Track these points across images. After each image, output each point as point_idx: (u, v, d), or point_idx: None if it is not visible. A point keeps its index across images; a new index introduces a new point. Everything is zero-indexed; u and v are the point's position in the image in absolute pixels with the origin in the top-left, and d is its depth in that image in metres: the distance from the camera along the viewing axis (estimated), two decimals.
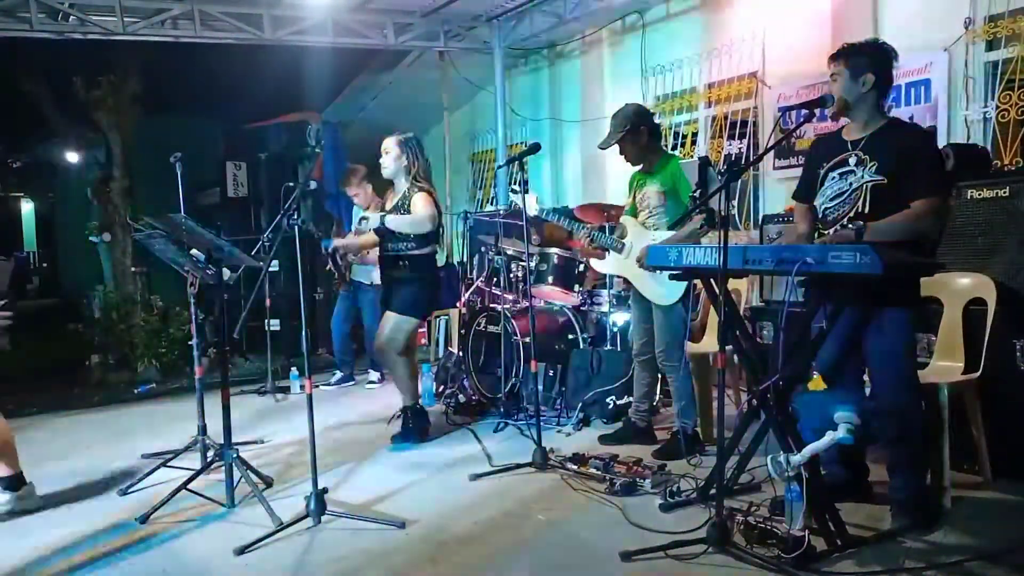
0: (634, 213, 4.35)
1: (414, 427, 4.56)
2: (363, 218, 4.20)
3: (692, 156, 6.72)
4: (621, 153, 4.22)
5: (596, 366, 5.01)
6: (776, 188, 6.04)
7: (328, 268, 6.40)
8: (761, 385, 2.98)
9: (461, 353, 5.63)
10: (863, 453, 3.38)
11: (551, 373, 5.28)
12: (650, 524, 3.15)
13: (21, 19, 6.27)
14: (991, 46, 4.93)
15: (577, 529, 3.22)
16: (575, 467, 3.86)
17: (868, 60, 3.07)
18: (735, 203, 6.32)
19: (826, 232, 3.14)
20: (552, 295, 5.56)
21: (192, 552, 3.14)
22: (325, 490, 3.35)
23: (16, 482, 3.58)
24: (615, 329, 5.25)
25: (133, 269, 7.86)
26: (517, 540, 3.14)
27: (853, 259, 2.60)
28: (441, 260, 5.23)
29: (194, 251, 3.77)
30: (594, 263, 4.66)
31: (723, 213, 2.81)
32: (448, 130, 8.75)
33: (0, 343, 3.47)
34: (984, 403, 3.43)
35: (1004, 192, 3.64)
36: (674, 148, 6.93)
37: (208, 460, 3.84)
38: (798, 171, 3.57)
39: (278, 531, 3.18)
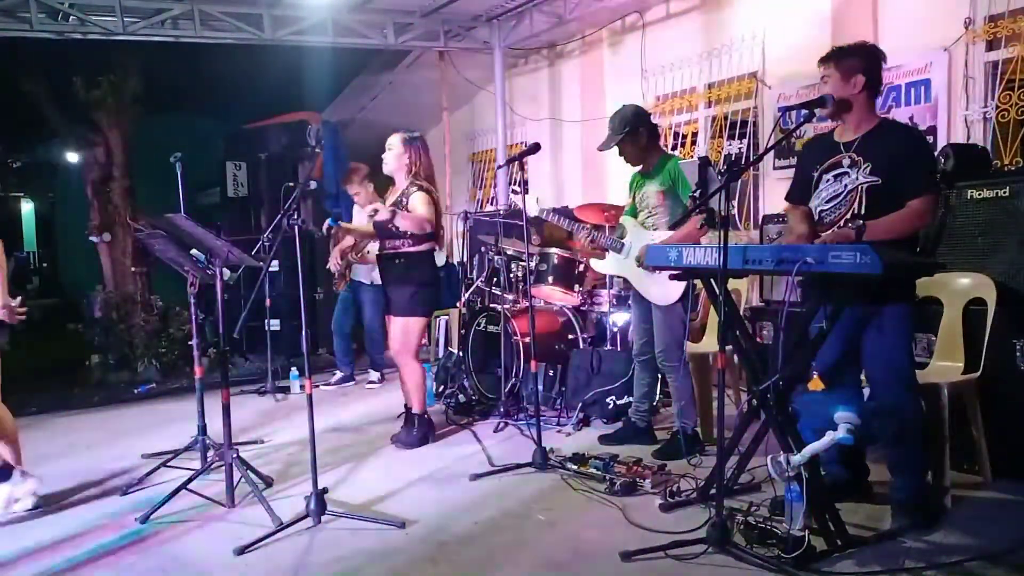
0: (634, 213, 4.35)
1: (417, 433, 4.53)
2: (375, 209, 4.19)
3: (692, 156, 6.72)
4: (620, 155, 4.23)
5: (596, 366, 5.01)
6: (776, 188, 6.04)
7: (328, 267, 6.40)
8: (761, 385, 2.98)
9: (461, 353, 5.63)
10: (863, 453, 3.39)
11: (551, 373, 5.28)
12: (650, 524, 3.16)
13: (21, 19, 6.27)
14: (991, 46, 4.93)
15: (577, 529, 3.22)
16: (575, 467, 3.86)
17: (857, 61, 3.08)
18: (735, 203, 6.33)
19: (823, 234, 3.14)
20: (552, 295, 5.56)
21: (192, 552, 3.14)
22: (325, 490, 3.36)
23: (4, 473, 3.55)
24: (615, 329, 5.26)
25: (133, 269, 7.86)
26: (517, 540, 3.14)
27: (853, 259, 2.60)
28: (441, 260, 5.22)
29: (194, 251, 3.77)
30: (594, 263, 4.66)
31: (723, 213, 2.81)
32: (448, 130, 8.74)
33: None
34: (984, 403, 3.44)
35: (1004, 192, 3.63)
36: (674, 148, 6.93)
37: (208, 460, 3.85)
38: None
39: (278, 531, 3.18)
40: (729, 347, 3.31)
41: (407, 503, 3.59)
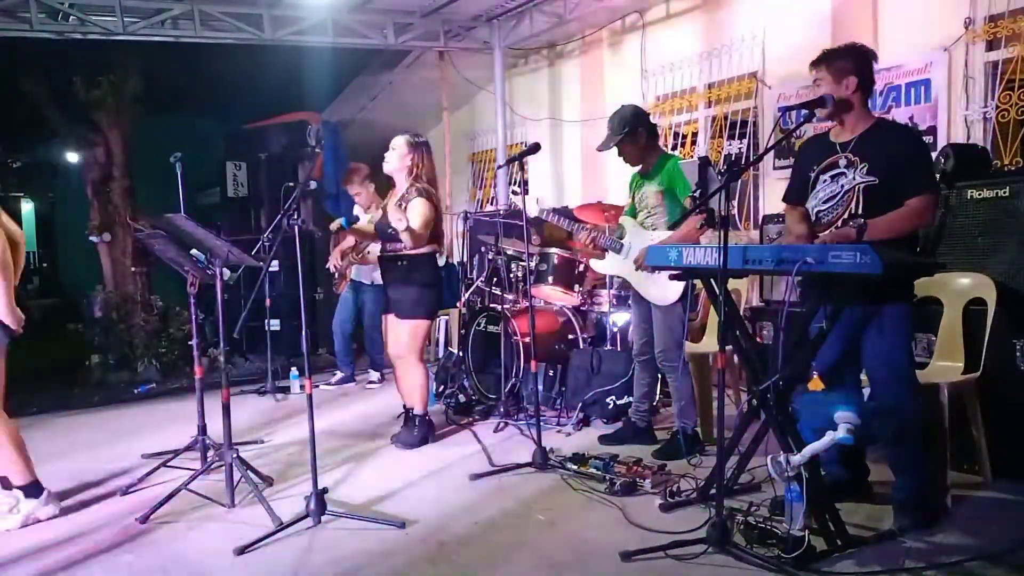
0: (634, 213, 4.35)
1: (418, 433, 4.52)
2: (384, 212, 4.19)
3: (692, 156, 6.72)
4: (620, 155, 4.22)
5: (596, 366, 5.01)
6: (776, 188, 6.02)
7: (328, 267, 6.41)
8: (761, 385, 2.98)
9: (461, 353, 5.63)
10: (863, 453, 3.38)
11: (551, 373, 5.28)
12: (650, 524, 3.16)
13: (21, 19, 6.27)
14: (991, 46, 4.93)
15: (577, 529, 3.22)
16: (575, 467, 3.86)
17: (849, 63, 3.08)
18: (735, 203, 6.33)
19: (822, 234, 3.14)
20: (552, 295, 5.56)
21: (192, 552, 3.14)
22: (325, 490, 3.36)
23: (35, 489, 3.53)
24: (615, 329, 5.26)
25: (133, 269, 7.86)
26: (517, 540, 3.14)
27: (853, 259, 2.60)
28: (441, 260, 5.21)
29: (194, 251, 3.77)
30: (594, 263, 4.66)
31: (723, 213, 2.81)
32: (448, 130, 8.74)
33: None
34: (984, 403, 3.44)
35: (1004, 192, 3.64)
36: (674, 148, 6.93)
37: (208, 460, 3.85)
38: None
39: (278, 531, 3.18)
40: (729, 347, 3.30)
41: (407, 503, 3.59)
